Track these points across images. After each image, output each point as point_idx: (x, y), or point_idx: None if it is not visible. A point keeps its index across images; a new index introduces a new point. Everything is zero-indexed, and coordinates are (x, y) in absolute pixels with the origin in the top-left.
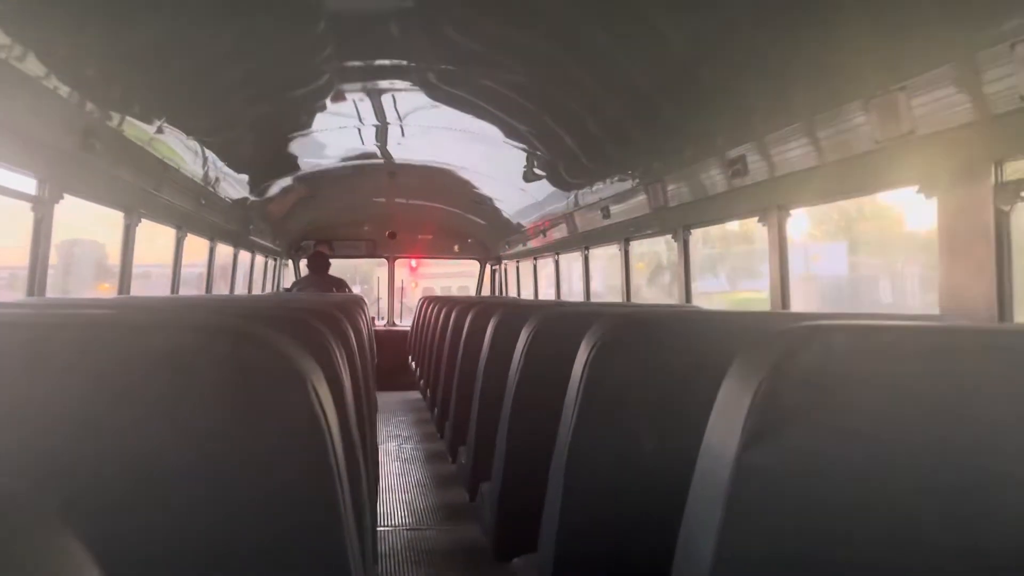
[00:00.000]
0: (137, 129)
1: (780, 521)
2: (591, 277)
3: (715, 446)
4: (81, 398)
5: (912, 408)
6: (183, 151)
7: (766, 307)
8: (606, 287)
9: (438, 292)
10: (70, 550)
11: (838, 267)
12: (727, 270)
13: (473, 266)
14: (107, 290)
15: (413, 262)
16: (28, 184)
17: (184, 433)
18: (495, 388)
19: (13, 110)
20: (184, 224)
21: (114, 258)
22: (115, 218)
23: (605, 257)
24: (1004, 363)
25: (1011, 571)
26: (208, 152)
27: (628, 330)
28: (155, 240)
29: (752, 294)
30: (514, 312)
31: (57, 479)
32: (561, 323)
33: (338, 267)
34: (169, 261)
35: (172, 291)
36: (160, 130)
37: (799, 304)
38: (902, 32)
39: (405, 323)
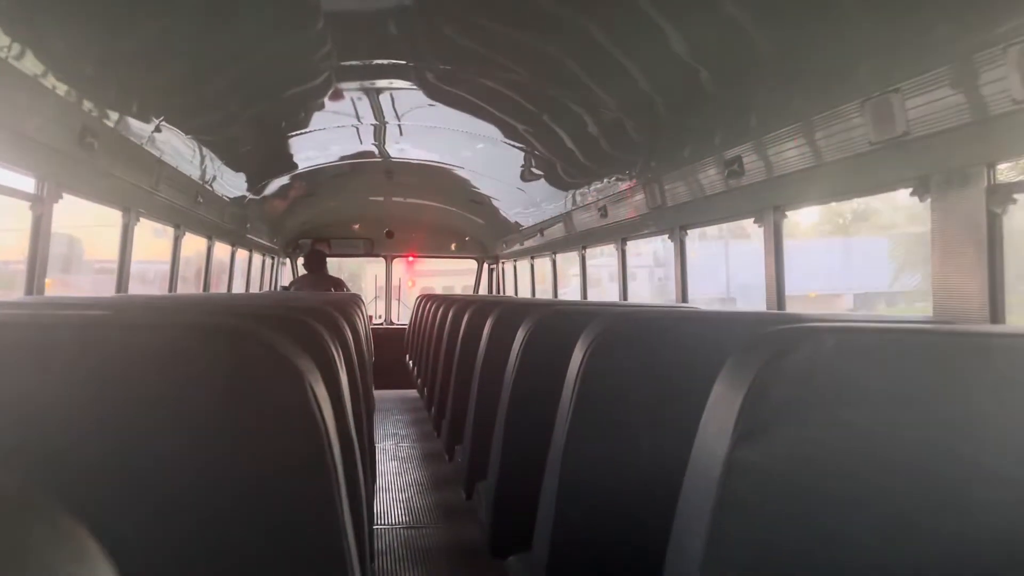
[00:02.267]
0: (135, 128)
1: (770, 518)
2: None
3: (707, 444)
4: (79, 397)
5: (902, 408)
6: (181, 149)
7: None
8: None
9: (439, 291)
10: (84, 544)
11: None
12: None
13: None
14: (49, 286)
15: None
16: (26, 183)
17: (182, 432)
18: (492, 387)
19: (11, 109)
20: (182, 223)
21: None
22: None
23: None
24: (995, 364)
25: (999, 567)
26: (206, 150)
27: (623, 329)
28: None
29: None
30: (511, 311)
31: (54, 477)
32: (558, 322)
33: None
34: (143, 257)
35: (170, 290)
36: (158, 129)
37: None
38: (897, 34)
39: (402, 322)
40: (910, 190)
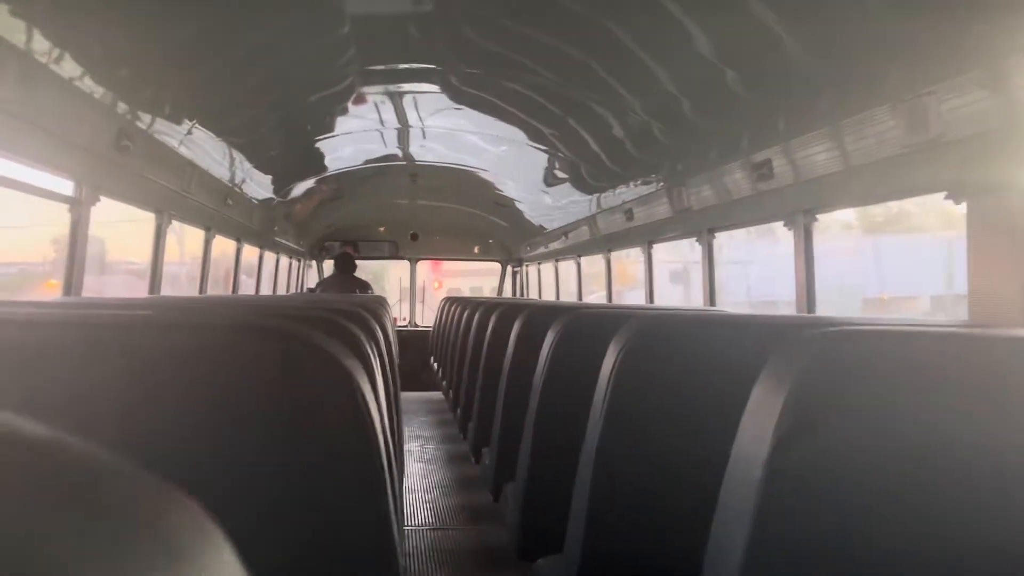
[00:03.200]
0: (168, 130)
1: (811, 524)
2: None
3: (746, 447)
4: (125, 397)
5: (943, 412)
6: (212, 152)
7: None
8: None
9: (466, 292)
10: (212, 531)
11: None
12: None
13: None
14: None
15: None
16: (64, 185)
17: (232, 432)
18: (520, 389)
19: (49, 112)
20: (212, 225)
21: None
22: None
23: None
24: None
25: None
26: (235, 153)
27: (656, 333)
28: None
29: None
30: (539, 313)
31: None
32: (588, 325)
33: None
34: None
35: (200, 291)
36: (190, 131)
37: None
38: (930, 36)
39: (426, 324)
40: (944, 194)
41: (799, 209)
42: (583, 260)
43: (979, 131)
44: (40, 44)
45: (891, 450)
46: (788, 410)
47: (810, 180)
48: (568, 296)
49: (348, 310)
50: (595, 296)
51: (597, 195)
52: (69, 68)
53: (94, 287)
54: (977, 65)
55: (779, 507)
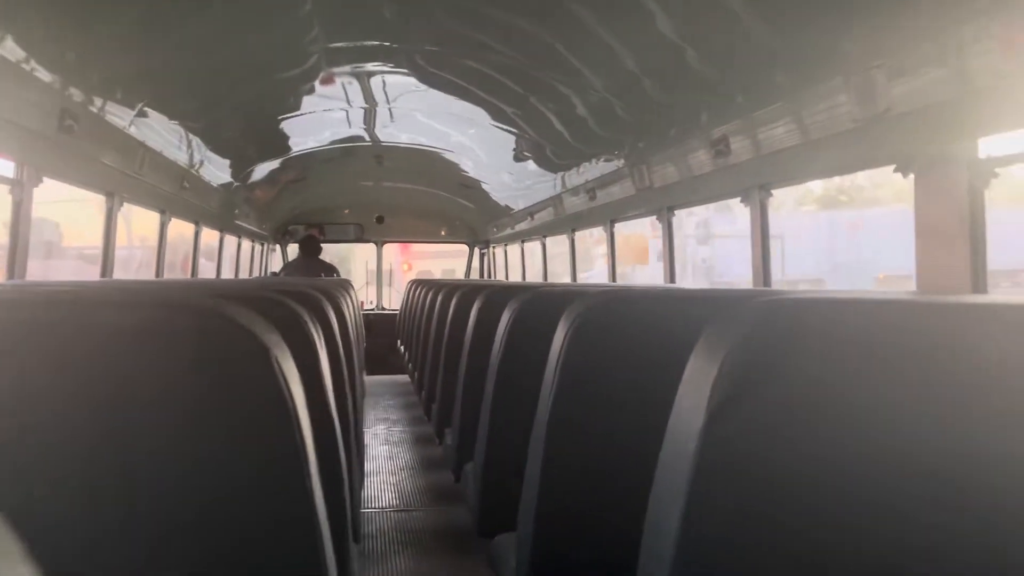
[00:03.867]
0: (117, 112)
1: (746, 493)
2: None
3: (682, 418)
4: (43, 376)
5: (880, 380)
6: (165, 134)
7: None
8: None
9: (438, 274)
10: None
11: None
12: None
13: None
14: None
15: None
16: (6, 167)
17: (147, 408)
18: (479, 370)
19: None
20: (168, 208)
21: None
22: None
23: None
24: (973, 333)
25: (979, 533)
26: (192, 136)
27: (604, 308)
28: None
29: None
30: (498, 294)
31: (17, 458)
32: (542, 304)
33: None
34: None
35: (156, 275)
36: (141, 113)
37: None
38: (881, 9)
39: (394, 307)
40: (894, 167)
41: (755, 185)
42: (548, 240)
43: (924, 105)
44: None
45: (827, 419)
46: (721, 379)
47: (765, 155)
48: (535, 277)
49: (299, 292)
50: (587, 275)
51: (562, 174)
52: (9, 48)
53: (38, 272)
54: (925, 38)
55: (713, 477)
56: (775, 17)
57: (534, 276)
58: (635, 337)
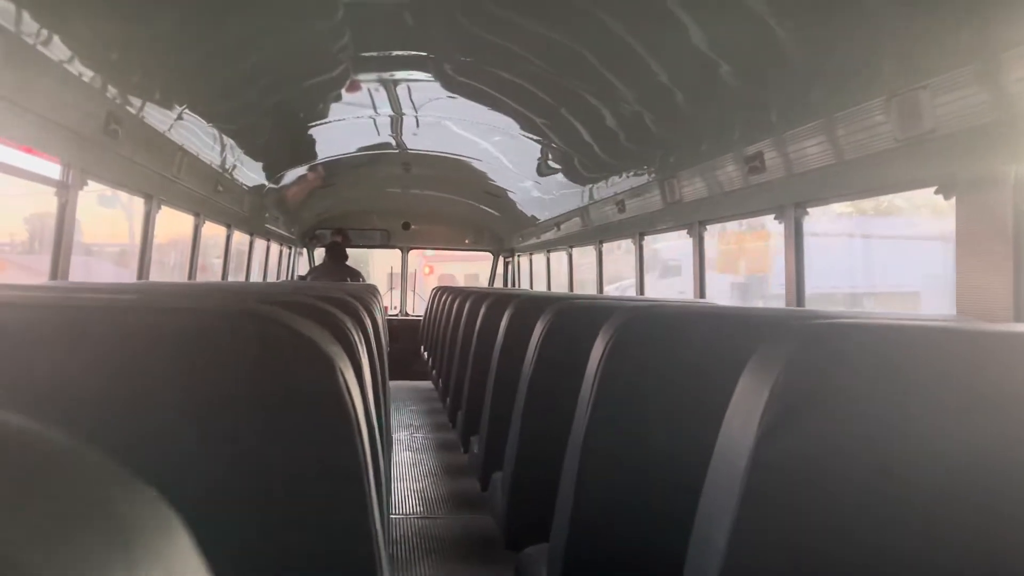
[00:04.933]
0: (157, 115)
1: (795, 513)
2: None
3: (732, 438)
4: (107, 380)
5: (928, 406)
6: (202, 137)
7: None
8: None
9: (461, 279)
10: (151, 501)
11: None
12: None
13: None
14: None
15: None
16: (51, 169)
17: (208, 416)
18: (509, 379)
19: (38, 95)
20: (202, 211)
21: None
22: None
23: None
24: (1018, 363)
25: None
26: (226, 139)
27: (645, 323)
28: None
29: None
30: (529, 303)
31: None
32: (577, 315)
33: None
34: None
35: (189, 277)
36: (180, 116)
37: None
38: (925, 30)
39: (417, 313)
40: (934, 188)
41: (790, 202)
42: (575, 251)
43: (970, 126)
44: (29, 26)
45: (876, 442)
46: (773, 401)
47: (801, 173)
48: (560, 287)
49: (334, 297)
50: (615, 287)
51: (589, 186)
52: (58, 51)
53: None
54: (970, 60)
55: (763, 498)
56: (812, 33)
57: (559, 287)
58: (674, 353)
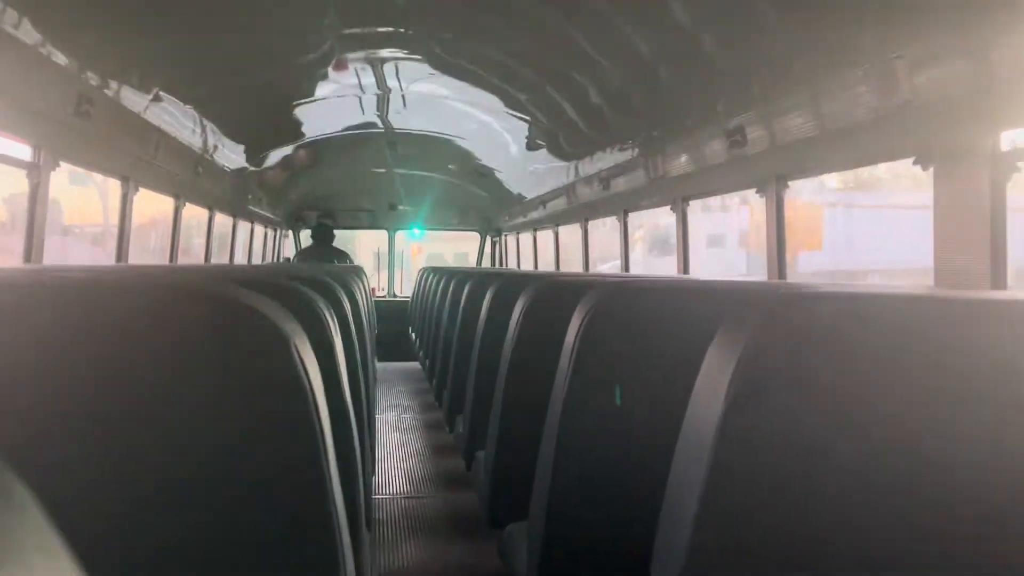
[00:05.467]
0: (132, 96)
1: (762, 483)
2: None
3: (700, 410)
4: (57, 360)
5: (896, 375)
6: (180, 119)
7: None
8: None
9: (450, 259)
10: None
11: None
12: None
13: None
14: None
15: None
16: (22, 151)
17: (164, 394)
18: (491, 358)
19: (8, 76)
20: (182, 193)
21: None
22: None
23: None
24: (992, 330)
25: (992, 534)
26: (206, 121)
27: (620, 299)
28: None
29: None
30: (511, 282)
31: (28, 445)
32: (556, 293)
33: None
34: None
35: (170, 260)
36: (156, 98)
37: None
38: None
39: (405, 294)
40: (912, 159)
41: (771, 176)
42: (563, 229)
43: (947, 96)
44: None
45: (844, 412)
46: (740, 373)
47: (782, 146)
48: (548, 266)
49: (313, 278)
50: (610, 265)
51: (575, 163)
52: (27, 33)
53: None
54: (947, 28)
55: (730, 470)
56: (793, 4)
57: (546, 265)
58: (650, 328)
